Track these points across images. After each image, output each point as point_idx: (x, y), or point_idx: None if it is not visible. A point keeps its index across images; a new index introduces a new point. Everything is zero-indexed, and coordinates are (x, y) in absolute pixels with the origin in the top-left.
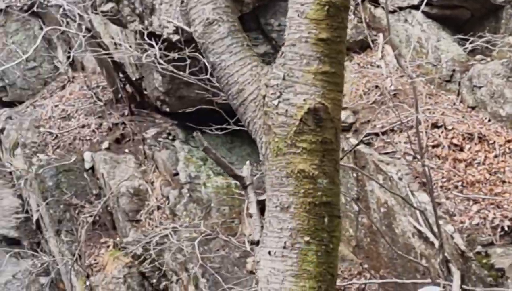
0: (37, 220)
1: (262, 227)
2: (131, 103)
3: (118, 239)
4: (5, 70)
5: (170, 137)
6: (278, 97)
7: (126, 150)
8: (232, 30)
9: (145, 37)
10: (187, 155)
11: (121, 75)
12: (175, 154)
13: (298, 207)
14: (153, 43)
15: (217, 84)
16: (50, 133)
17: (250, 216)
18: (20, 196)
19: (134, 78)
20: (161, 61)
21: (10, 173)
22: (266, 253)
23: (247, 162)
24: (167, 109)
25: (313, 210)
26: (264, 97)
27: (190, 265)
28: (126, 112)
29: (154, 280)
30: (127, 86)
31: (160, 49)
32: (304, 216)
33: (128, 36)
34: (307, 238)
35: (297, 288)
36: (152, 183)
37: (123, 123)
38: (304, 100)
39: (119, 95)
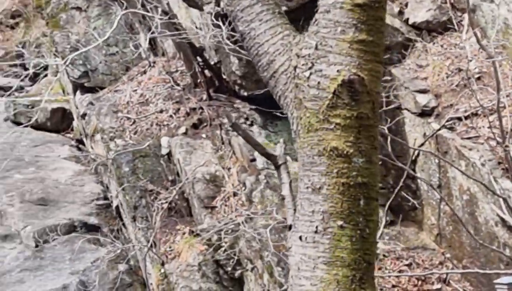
0: (117, 206)
1: (295, 210)
2: (209, 88)
3: (188, 227)
4: (87, 56)
5: (248, 122)
6: (310, 68)
7: (203, 135)
8: None
9: (213, 18)
10: (265, 140)
11: (199, 59)
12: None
13: (331, 188)
14: (220, 23)
15: None
16: (128, 118)
17: (283, 198)
18: (101, 182)
19: (212, 62)
20: (228, 42)
21: (93, 159)
22: (297, 238)
23: (281, 140)
24: (245, 94)
25: (347, 191)
26: (295, 68)
27: (265, 253)
28: (204, 97)
29: (229, 268)
30: (206, 71)
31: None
32: (337, 198)
33: (206, 19)
34: (340, 222)
35: (329, 277)
36: (228, 169)
37: (201, 108)
38: (338, 71)
39: (198, 80)
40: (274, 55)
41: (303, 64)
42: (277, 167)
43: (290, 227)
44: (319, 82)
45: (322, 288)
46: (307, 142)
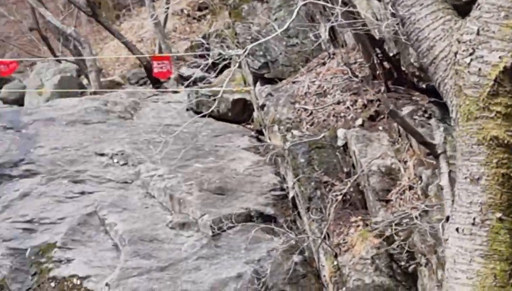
0: (293, 197)
1: (453, 201)
2: (387, 80)
3: (362, 220)
4: (267, 47)
5: (426, 115)
6: (471, 54)
7: (380, 127)
8: None
9: (390, 8)
10: (443, 133)
11: (378, 51)
12: (431, 132)
13: (490, 179)
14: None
15: None
16: (305, 109)
17: (442, 188)
18: (278, 173)
19: (391, 54)
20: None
21: (270, 149)
22: (454, 230)
23: (441, 128)
24: (423, 86)
25: (508, 182)
26: (455, 54)
27: (440, 248)
28: (382, 89)
29: (403, 262)
30: (385, 63)
31: None
32: (496, 189)
33: (386, 10)
34: (499, 214)
35: (486, 270)
36: (405, 162)
37: (378, 100)
38: (500, 57)
39: (376, 71)
40: (434, 41)
41: (463, 50)
42: (436, 156)
43: (447, 218)
44: (480, 69)
45: (478, 281)
46: (466, 131)
